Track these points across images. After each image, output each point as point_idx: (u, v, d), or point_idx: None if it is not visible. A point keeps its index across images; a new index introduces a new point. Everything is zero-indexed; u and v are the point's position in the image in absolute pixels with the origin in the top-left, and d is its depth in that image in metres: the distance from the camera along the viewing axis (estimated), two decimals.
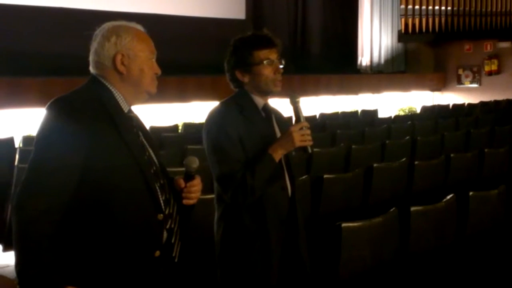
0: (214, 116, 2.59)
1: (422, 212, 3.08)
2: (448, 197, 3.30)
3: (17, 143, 6.57)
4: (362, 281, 2.76)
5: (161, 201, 2.02)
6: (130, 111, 2.07)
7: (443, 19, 14.40)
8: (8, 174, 5.14)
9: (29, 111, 7.96)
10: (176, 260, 2.08)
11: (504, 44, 14.12)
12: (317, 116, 9.71)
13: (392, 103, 13.74)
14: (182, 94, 9.76)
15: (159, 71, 2.09)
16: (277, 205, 2.55)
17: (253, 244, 2.52)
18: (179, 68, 9.51)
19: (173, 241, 2.06)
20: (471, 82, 14.55)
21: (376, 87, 13.55)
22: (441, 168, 4.94)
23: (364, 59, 14.88)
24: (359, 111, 10.85)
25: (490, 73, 14.23)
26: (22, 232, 1.81)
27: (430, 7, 14.39)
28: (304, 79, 12.00)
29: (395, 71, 14.99)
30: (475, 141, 6.74)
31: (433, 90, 14.95)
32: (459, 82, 14.71)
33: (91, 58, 2.05)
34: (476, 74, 14.46)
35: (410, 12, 14.44)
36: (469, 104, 11.66)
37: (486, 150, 5.37)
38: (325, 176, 4.02)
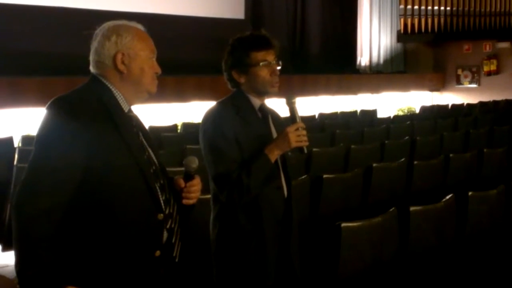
0: (210, 116, 2.59)
1: (422, 212, 3.08)
2: (447, 197, 3.30)
3: (16, 143, 6.57)
4: (361, 281, 2.76)
5: (161, 201, 2.02)
6: (130, 110, 2.07)
7: (442, 19, 14.42)
8: (7, 173, 5.13)
9: (29, 111, 7.96)
10: (176, 260, 2.08)
11: (503, 44, 14.12)
12: (316, 116, 9.71)
13: (391, 103, 13.75)
14: (181, 94, 9.76)
15: (159, 70, 2.09)
16: (272, 205, 2.55)
17: (248, 244, 2.52)
18: (178, 68, 9.50)
19: (173, 241, 2.06)
20: (470, 82, 14.56)
21: (375, 87, 13.55)
22: (440, 168, 4.94)
23: (363, 59, 14.88)
24: (358, 111, 10.86)
25: (489, 73, 14.24)
26: (22, 232, 1.81)
27: (429, 7, 14.40)
28: (303, 79, 12.00)
29: (394, 71, 15.00)
30: (474, 141, 6.74)
31: (432, 90, 14.96)
32: (458, 82, 14.72)
33: (91, 57, 2.05)
34: (475, 74, 14.47)
35: (409, 12, 14.45)
36: (468, 104, 11.66)
37: (485, 150, 5.37)
38: (325, 176, 4.02)
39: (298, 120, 2.54)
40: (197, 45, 11.09)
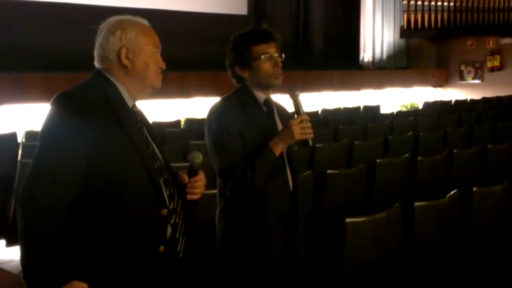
0: (215, 111, 2.59)
1: (426, 208, 3.08)
2: (452, 192, 3.30)
3: (20, 138, 6.58)
4: (366, 276, 2.76)
5: (165, 196, 2.02)
6: (134, 106, 2.07)
7: (445, 15, 14.38)
8: (11, 169, 5.14)
9: (32, 106, 7.97)
10: (180, 255, 2.08)
11: (506, 40, 14.09)
12: (319, 112, 9.70)
13: (394, 99, 13.73)
14: (185, 89, 9.76)
15: (163, 65, 2.08)
16: (278, 199, 2.55)
17: (253, 238, 2.52)
18: (181, 63, 9.49)
19: (177, 236, 2.06)
20: (474, 78, 14.53)
21: (378, 83, 13.53)
22: (444, 164, 4.94)
23: (366, 55, 14.85)
24: (361, 107, 10.85)
25: (492, 69, 14.20)
26: (27, 227, 1.81)
27: (433, 3, 14.36)
28: (306, 75, 11.99)
29: (397, 67, 14.97)
30: (477, 137, 6.73)
31: (435, 86, 14.94)
32: (462, 78, 14.69)
33: (96, 52, 2.05)
34: (479, 70, 14.44)
35: (412, 8, 14.41)
36: (472, 100, 11.64)
37: (489, 146, 5.36)
38: (328, 171, 4.02)
39: (302, 112, 2.54)
40: (200, 41, 11.09)
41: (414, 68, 15.04)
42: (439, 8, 14.39)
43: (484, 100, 11.46)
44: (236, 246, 2.55)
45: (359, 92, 13.09)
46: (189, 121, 8.15)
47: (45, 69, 8.74)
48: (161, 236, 2.01)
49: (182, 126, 8.03)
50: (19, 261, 1.84)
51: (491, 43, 14.29)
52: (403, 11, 14.57)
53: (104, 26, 2.04)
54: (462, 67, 14.66)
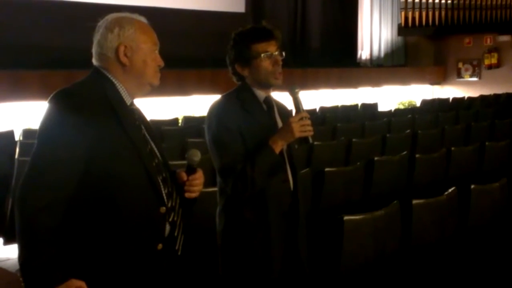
0: (214, 110, 2.59)
1: (424, 205, 3.08)
2: (450, 190, 3.30)
3: (18, 136, 6.57)
4: (364, 273, 2.76)
5: (164, 194, 2.01)
6: (132, 103, 2.06)
7: (443, 13, 14.38)
8: (9, 167, 5.13)
9: (30, 104, 7.96)
10: (179, 253, 2.08)
11: (504, 38, 14.10)
12: (317, 110, 9.70)
13: (392, 96, 13.74)
14: (182, 87, 9.75)
15: (162, 63, 2.08)
16: (278, 197, 2.55)
17: (254, 237, 2.52)
18: (179, 61, 9.48)
19: (176, 234, 2.05)
20: (471, 76, 14.54)
21: (376, 81, 13.54)
22: (442, 161, 4.94)
23: (364, 53, 14.86)
24: (359, 105, 10.85)
25: (490, 67, 14.22)
26: (25, 225, 1.81)
27: (430, 1, 14.38)
28: (304, 72, 11.98)
29: (395, 64, 14.98)
30: (475, 135, 6.74)
31: (433, 83, 14.95)
32: (459, 75, 14.70)
33: (94, 49, 2.04)
34: (476, 68, 14.45)
35: (410, 6, 14.42)
36: (469, 98, 11.65)
37: (486, 143, 5.36)
38: (326, 169, 4.01)
39: (301, 110, 2.53)
40: (198, 39, 11.08)
41: (412, 66, 15.06)
42: (437, 6, 14.40)
43: (482, 97, 11.48)
44: (237, 244, 2.55)
45: (357, 90, 13.09)
46: (186, 119, 8.15)
47: (43, 67, 8.72)
48: (159, 234, 2.00)
49: (179, 124, 8.02)
50: (16, 259, 1.84)
51: (488, 40, 14.30)
52: (401, 8, 14.58)
53: (102, 23, 2.04)
54: (460, 65, 14.67)
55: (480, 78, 14.41)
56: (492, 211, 3.53)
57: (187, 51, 10.66)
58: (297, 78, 11.23)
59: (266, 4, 13.22)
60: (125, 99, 2.02)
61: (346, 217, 2.70)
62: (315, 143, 5.18)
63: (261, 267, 2.52)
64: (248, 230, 2.52)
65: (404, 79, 14.20)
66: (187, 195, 2.10)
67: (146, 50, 2.03)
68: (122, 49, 2.00)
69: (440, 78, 14.96)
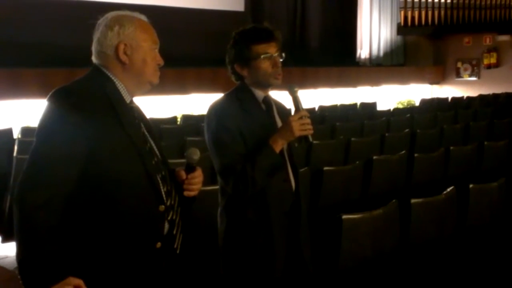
0: (214, 110, 2.58)
1: (423, 204, 3.08)
2: (448, 189, 3.30)
3: (16, 134, 6.56)
4: (362, 272, 2.76)
5: (163, 193, 2.01)
6: (132, 102, 2.06)
7: (442, 12, 14.39)
8: (7, 165, 5.13)
9: (29, 102, 7.95)
10: (178, 251, 2.08)
11: (503, 37, 14.11)
12: (316, 109, 9.71)
13: (391, 96, 13.74)
14: (181, 86, 9.75)
15: (161, 62, 2.08)
16: (280, 197, 2.54)
17: (256, 237, 2.51)
18: (178, 60, 9.48)
19: (174, 232, 2.05)
20: (470, 75, 14.55)
21: (375, 80, 13.55)
22: (440, 160, 4.94)
23: (363, 52, 14.86)
24: (358, 104, 10.85)
25: (489, 66, 14.23)
26: (23, 223, 1.81)
27: (430, 0, 14.37)
28: (303, 71, 11.98)
29: (394, 64, 14.99)
30: (474, 134, 6.75)
31: (432, 83, 14.96)
32: (458, 75, 14.71)
33: (93, 47, 2.04)
34: (475, 67, 14.47)
35: (409, 5, 14.43)
36: (468, 97, 11.66)
37: (485, 143, 5.37)
38: (325, 168, 4.01)
39: (301, 108, 2.53)
40: (197, 37, 11.08)
41: (411, 65, 15.07)
42: (436, 5, 14.41)
43: (481, 97, 11.49)
44: (239, 244, 2.54)
45: (356, 89, 13.10)
46: (186, 118, 8.14)
47: (42, 65, 8.71)
48: (158, 232, 2.00)
49: (178, 123, 8.02)
50: (14, 257, 1.84)
51: (487, 40, 14.31)
52: (400, 8, 14.59)
53: (102, 21, 2.03)
54: (459, 64, 14.68)
55: (479, 77, 14.42)
56: (491, 210, 3.54)
57: (187, 50, 10.66)
58: (296, 77, 11.23)
59: (265, 3, 13.22)
60: (125, 97, 2.02)
61: (344, 216, 2.70)
62: (314, 142, 5.17)
63: (263, 266, 2.52)
64: (250, 230, 2.52)
65: (403, 79, 14.21)
66: (186, 193, 2.10)
67: (146, 48, 2.03)
68: (122, 47, 2.00)
69: (439, 78, 14.97)
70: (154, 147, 2.08)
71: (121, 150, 1.92)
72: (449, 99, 11.55)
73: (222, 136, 2.50)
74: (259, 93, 2.62)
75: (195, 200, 2.15)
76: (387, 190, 4.37)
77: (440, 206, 3.19)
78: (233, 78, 2.66)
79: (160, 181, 2.02)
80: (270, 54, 2.56)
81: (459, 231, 3.32)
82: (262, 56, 2.55)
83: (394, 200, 3.00)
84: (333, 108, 10.20)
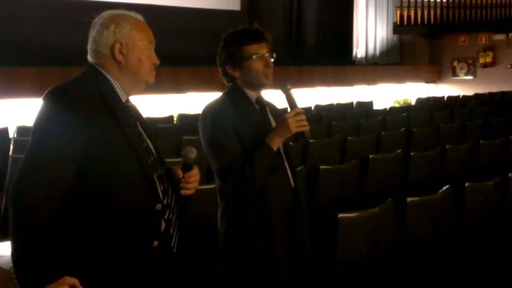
0: (208, 112, 2.58)
1: (418, 203, 3.09)
2: (444, 188, 3.31)
3: (12, 134, 6.55)
4: (358, 271, 2.76)
5: (159, 191, 2.01)
6: (127, 100, 2.05)
7: (438, 11, 14.42)
8: (2, 164, 5.12)
9: (24, 102, 7.93)
10: (174, 250, 2.07)
11: (499, 37, 14.14)
12: (313, 108, 9.71)
13: (387, 95, 13.76)
14: (178, 85, 9.74)
15: (157, 61, 2.07)
16: (279, 195, 2.54)
17: (257, 237, 2.50)
18: (174, 59, 9.47)
19: (171, 231, 2.05)
20: (466, 74, 14.58)
21: (371, 79, 13.56)
22: (436, 159, 4.95)
23: (359, 51, 14.87)
24: (354, 103, 10.86)
25: (485, 65, 14.27)
26: (19, 222, 1.80)
27: None
28: (299, 70, 11.99)
29: (390, 63, 15.01)
30: (470, 133, 6.76)
31: (428, 82, 14.99)
32: (454, 74, 14.74)
33: (89, 46, 2.03)
34: (471, 66, 14.50)
35: (405, 4, 14.46)
36: (464, 96, 11.69)
37: (481, 141, 5.38)
38: (321, 167, 4.02)
39: (295, 105, 2.53)
40: (194, 37, 11.07)
41: (407, 64, 15.09)
42: (432, 4, 14.44)
43: (477, 96, 11.52)
44: (241, 246, 2.53)
45: (352, 88, 13.11)
46: (182, 117, 8.13)
47: (38, 64, 8.70)
48: (155, 231, 2.00)
49: (175, 122, 8.02)
50: (10, 257, 1.83)
51: (483, 39, 14.34)
52: (396, 7, 14.61)
53: (98, 20, 2.03)
54: (455, 63, 14.71)
55: (475, 76, 14.46)
56: (486, 209, 3.54)
57: (183, 49, 10.65)
58: (293, 76, 11.23)
59: (261, 2, 13.21)
60: (121, 96, 2.02)
61: (340, 215, 2.70)
62: (310, 140, 5.18)
63: (267, 266, 2.51)
64: (251, 231, 2.50)
65: (399, 78, 14.22)
66: (182, 192, 2.10)
67: (142, 48, 2.02)
68: (117, 46, 1.99)
69: (435, 77, 14.99)
70: (151, 146, 2.08)
71: (117, 149, 1.91)
72: (445, 98, 11.57)
73: (218, 138, 2.49)
74: (251, 94, 2.62)
75: (192, 199, 2.15)
76: (383, 188, 4.37)
77: (436, 204, 3.20)
78: (224, 81, 2.66)
79: (156, 180, 2.01)
80: (261, 54, 2.56)
81: (455, 230, 3.32)
82: (254, 57, 2.55)
83: (390, 199, 3.01)
84: (329, 107, 10.20)
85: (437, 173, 4.93)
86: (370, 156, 4.45)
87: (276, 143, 2.49)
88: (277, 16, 13.30)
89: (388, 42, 15.05)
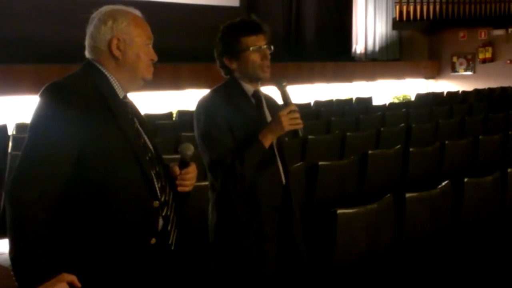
0: (203, 104, 2.58)
1: (417, 199, 3.08)
2: (443, 183, 3.30)
3: (11, 131, 6.54)
4: (357, 267, 2.76)
5: (157, 188, 2.00)
6: (125, 97, 2.04)
7: (437, 7, 14.39)
8: (1, 161, 5.11)
9: (23, 99, 7.92)
10: (172, 247, 2.07)
11: (498, 32, 14.12)
12: (312, 104, 9.70)
13: (386, 90, 13.74)
14: (176, 81, 9.73)
15: (155, 57, 2.06)
16: (270, 192, 2.54)
17: (246, 232, 2.51)
18: (173, 55, 9.46)
19: (169, 228, 2.04)
20: (466, 70, 14.56)
21: (370, 75, 13.54)
22: (436, 155, 4.95)
23: (358, 47, 14.86)
24: (354, 99, 10.85)
25: (484, 61, 14.25)
26: (16, 219, 1.79)
27: None
28: (298, 66, 11.98)
29: (390, 58, 14.99)
30: (469, 128, 6.75)
31: (427, 77, 14.96)
32: (454, 69, 14.72)
33: (87, 42, 2.02)
34: (471, 62, 14.48)
35: (404, 0, 14.42)
36: (464, 92, 11.67)
37: (480, 137, 5.37)
38: (320, 163, 4.01)
39: (290, 103, 2.52)
40: (192, 33, 11.05)
41: (406, 60, 15.07)
42: (431, 0, 14.40)
43: (476, 91, 11.50)
44: (229, 240, 2.53)
45: (352, 84, 13.09)
46: (181, 113, 8.12)
47: (36, 61, 8.68)
48: (153, 228, 1.99)
49: (174, 118, 8.01)
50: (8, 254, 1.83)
51: (483, 34, 14.32)
52: (395, 2, 14.59)
53: (95, 15, 2.02)
54: (454, 59, 14.69)
55: (474, 72, 14.44)
56: (486, 204, 3.54)
57: (182, 45, 10.63)
58: (292, 72, 11.22)
59: None
60: (118, 93, 2.01)
61: (339, 211, 2.69)
62: (309, 136, 5.18)
63: (255, 262, 2.51)
64: (240, 226, 2.51)
65: (398, 73, 14.21)
66: (179, 189, 2.09)
67: (140, 43, 2.01)
68: (115, 42, 1.98)
69: (435, 72, 14.98)
70: (148, 143, 2.07)
71: (114, 145, 1.91)
72: (445, 93, 11.56)
73: (211, 131, 2.49)
74: (248, 87, 2.61)
75: (189, 195, 2.14)
76: (383, 184, 4.37)
77: (435, 200, 3.19)
78: (222, 73, 2.66)
79: (154, 177, 2.00)
80: (259, 46, 2.56)
81: (454, 225, 3.32)
82: (251, 48, 2.55)
83: (389, 195, 3.00)
84: (329, 103, 10.19)
85: (436, 168, 4.93)
86: (369, 152, 4.45)
87: (269, 140, 2.48)
88: (276, 12, 13.27)
89: (387, 38, 15.03)
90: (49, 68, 8.15)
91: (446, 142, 5.07)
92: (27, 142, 1.87)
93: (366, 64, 14.25)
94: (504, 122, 7.19)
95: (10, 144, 5.35)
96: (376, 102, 11.00)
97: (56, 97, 1.87)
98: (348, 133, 5.64)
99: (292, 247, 2.59)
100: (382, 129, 6.11)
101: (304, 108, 8.81)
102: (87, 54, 2.04)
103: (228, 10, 12.08)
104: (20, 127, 6.46)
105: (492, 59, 14.18)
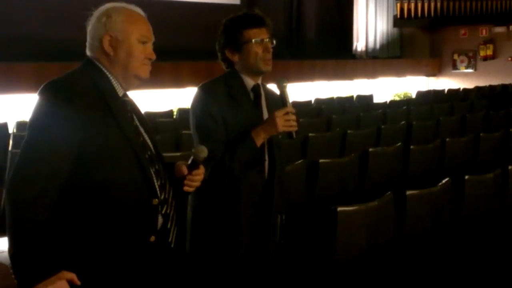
0: (199, 95, 2.59)
1: (418, 196, 3.08)
2: (444, 181, 3.30)
3: (11, 129, 6.55)
4: (358, 264, 2.76)
5: (156, 186, 2.00)
6: (125, 95, 2.03)
7: (438, 4, 14.36)
8: (2, 159, 5.12)
9: (23, 97, 7.92)
10: (172, 245, 2.07)
11: (499, 29, 14.10)
12: (313, 101, 9.70)
13: (387, 88, 13.74)
14: (177, 79, 9.72)
15: (152, 56, 2.03)
16: (251, 187, 2.55)
17: (222, 222, 2.53)
18: (174, 53, 9.45)
19: (169, 226, 2.04)
20: (467, 67, 14.54)
21: (371, 73, 13.53)
22: (436, 152, 4.94)
23: (359, 44, 14.83)
24: (355, 96, 10.84)
25: (485, 58, 14.23)
26: (15, 217, 1.79)
27: None
28: (299, 64, 11.97)
29: (391, 56, 14.97)
30: (470, 126, 6.75)
31: (428, 75, 14.95)
32: (455, 67, 14.70)
33: (87, 39, 2.02)
34: (472, 59, 14.46)
35: None
36: (464, 89, 11.66)
37: (481, 134, 5.37)
38: (321, 160, 4.01)
39: (288, 104, 2.52)
40: (193, 30, 11.03)
41: (407, 58, 15.06)
42: None
43: (477, 89, 11.49)
44: (205, 225, 2.56)
45: (352, 82, 13.08)
46: (181, 111, 8.12)
47: (37, 59, 8.67)
48: (152, 226, 1.99)
49: (174, 116, 8.00)
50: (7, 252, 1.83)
51: (484, 32, 14.30)
52: (396, 0, 14.55)
53: (95, 13, 2.01)
54: (455, 56, 14.67)
55: (475, 69, 14.42)
56: (487, 201, 3.54)
57: (182, 43, 10.62)
58: (293, 69, 11.22)
59: None
60: (117, 90, 2.00)
61: (339, 208, 2.69)
62: (310, 134, 5.18)
63: (225, 252, 2.53)
64: (217, 215, 2.54)
65: (399, 71, 14.20)
66: (185, 189, 2.11)
67: (133, 41, 1.98)
68: (107, 38, 1.96)
69: (436, 70, 14.96)
70: (148, 141, 2.07)
71: (113, 143, 1.90)
72: (446, 91, 11.55)
73: (206, 122, 2.51)
74: (249, 81, 2.61)
75: (189, 194, 2.14)
76: (383, 182, 4.36)
77: (435, 197, 3.19)
78: (223, 66, 2.66)
79: (153, 175, 2.00)
80: (261, 38, 2.56)
81: (454, 223, 3.32)
82: (253, 41, 2.55)
83: (389, 192, 3.00)
84: (330, 100, 10.19)
85: (437, 166, 4.93)
86: (370, 150, 4.44)
87: (261, 139, 2.49)
88: (277, 10, 13.24)
89: (388, 36, 15.01)
90: (50, 66, 8.15)
91: (447, 139, 5.07)
92: (26, 140, 1.87)
93: (367, 61, 14.24)
94: (505, 120, 7.18)
95: (11, 142, 5.35)
96: (377, 99, 10.99)
97: (55, 95, 1.87)
98: (348, 131, 5.64)
99: (261, 245, 2.60)
100: (382, 126, 6.11)
101: (305, 106, 8.81)
102: (87, 51, 2.03)
103: (229, 7, 12.05)
104: (20, 125, 6.46)
105: (493, 57, 14.16)
